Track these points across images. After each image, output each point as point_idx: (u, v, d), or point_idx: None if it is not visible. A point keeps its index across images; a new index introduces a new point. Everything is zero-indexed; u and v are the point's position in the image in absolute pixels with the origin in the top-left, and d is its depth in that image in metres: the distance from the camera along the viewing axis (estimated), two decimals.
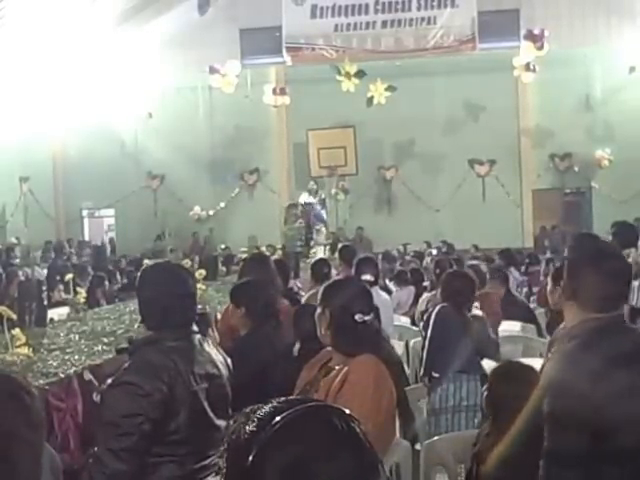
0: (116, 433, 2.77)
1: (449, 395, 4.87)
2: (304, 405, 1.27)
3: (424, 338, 5.23)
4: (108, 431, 2.80)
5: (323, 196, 15.64)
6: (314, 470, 1.19)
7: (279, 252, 13.25)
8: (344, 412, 1.27)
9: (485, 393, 3.48)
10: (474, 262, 8.35)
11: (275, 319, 4.42)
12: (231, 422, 1.30)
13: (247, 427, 1.25)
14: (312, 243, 14.31)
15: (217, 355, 3.17)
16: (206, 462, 3.03)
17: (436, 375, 4.89)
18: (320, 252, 13.32)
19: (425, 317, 5.35)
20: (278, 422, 1.22)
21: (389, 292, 8.61)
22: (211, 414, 3.01)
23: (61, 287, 8.31)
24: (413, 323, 8.18)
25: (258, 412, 1.27)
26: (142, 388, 2.82)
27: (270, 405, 1.28)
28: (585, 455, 2.44)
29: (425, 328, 5.24)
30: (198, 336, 3.10)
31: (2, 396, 1.33)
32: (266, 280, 4.81)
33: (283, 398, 1.30)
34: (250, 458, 1.20)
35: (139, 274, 3.27)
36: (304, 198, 15.56)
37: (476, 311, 5.91)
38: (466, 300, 5.24)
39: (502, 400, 3.15)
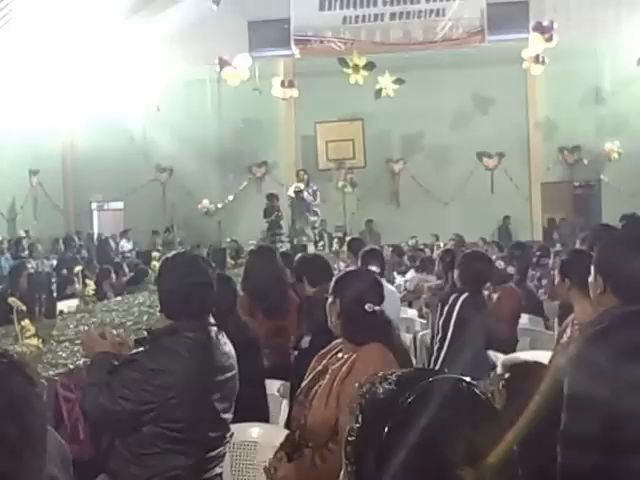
0: (119, 392, 2.90)
1: None
2: (443, 374, 1.30)
3: (443, 335, 4.87)
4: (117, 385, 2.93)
5: (315, 187, 15.48)
6: (457, 433, 1.21)
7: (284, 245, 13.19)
8: (479, 387, 1.30)
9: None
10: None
11: None
12: (360, 388, 1.33)
13: (383, 387, 1.27)
14: (305, 238, 14.17)
15: (231, 349, 3.20)
16: (213, 453, 3.06)
17: None
18: (312, 247, 13.15)
19: (446, 311, 4.91)
20: (425, 385, 1.24)
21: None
22: (220, 407, 3.05)
23: (75, 279, 8.38)
24: (420, 316, 8.16)
25: (392, 376, 1.29)
26: (145, 367, 2.90)
27: (405, 371, 1.32)
28: (602, 441, 2.39)
29: (445, 325, 4.89)
30: (215, 328, 3.13)
31: (8, 366, 1.36)
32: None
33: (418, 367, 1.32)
34: (392, 418, 1.22)
35: (160, 264, 3.35)
36: (293, 189, 15.49)
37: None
38: (485, 282, 5.20)
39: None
